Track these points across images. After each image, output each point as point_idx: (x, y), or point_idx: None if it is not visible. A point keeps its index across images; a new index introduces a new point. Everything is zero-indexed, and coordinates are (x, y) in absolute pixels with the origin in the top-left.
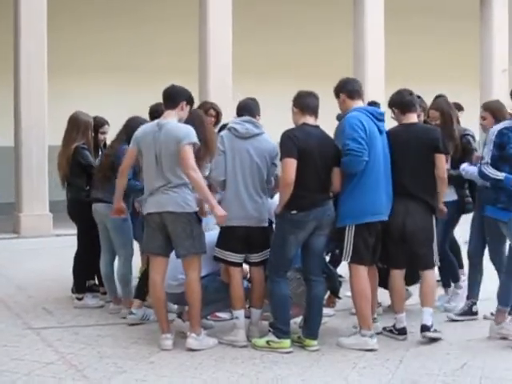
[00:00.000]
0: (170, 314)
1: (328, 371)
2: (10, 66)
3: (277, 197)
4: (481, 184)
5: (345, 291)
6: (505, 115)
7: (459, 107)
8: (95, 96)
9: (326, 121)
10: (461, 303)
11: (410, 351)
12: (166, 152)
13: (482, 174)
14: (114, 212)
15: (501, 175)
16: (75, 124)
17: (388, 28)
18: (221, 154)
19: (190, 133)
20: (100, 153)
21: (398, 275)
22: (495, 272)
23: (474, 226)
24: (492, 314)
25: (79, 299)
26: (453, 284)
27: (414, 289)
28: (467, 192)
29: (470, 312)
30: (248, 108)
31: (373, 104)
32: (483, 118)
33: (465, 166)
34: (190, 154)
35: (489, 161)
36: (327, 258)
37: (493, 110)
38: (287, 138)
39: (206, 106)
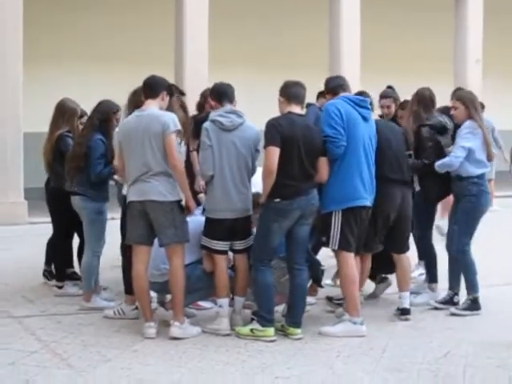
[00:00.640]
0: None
1: (313, 360)
2: None
3: (260, 169)
4: (454, 176)
5: (325, 279)
6: (477, 107)
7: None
8: (71, 84)
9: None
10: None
11: (392, 339)
12: (149, 138)
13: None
14: None
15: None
16: (61, 111)
17: (364, 19)
18: (208, 149)
19: (174, 120)
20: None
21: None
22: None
23: (452, 218)
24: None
25: (59, 287)
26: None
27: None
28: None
29: (451, 302)
30: (229, 94)
31: (360, 94)
32: (454, 108)
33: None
34: (174, 143)
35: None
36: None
37: (464, 101)
38: (272, 125)
39: (206, 93)
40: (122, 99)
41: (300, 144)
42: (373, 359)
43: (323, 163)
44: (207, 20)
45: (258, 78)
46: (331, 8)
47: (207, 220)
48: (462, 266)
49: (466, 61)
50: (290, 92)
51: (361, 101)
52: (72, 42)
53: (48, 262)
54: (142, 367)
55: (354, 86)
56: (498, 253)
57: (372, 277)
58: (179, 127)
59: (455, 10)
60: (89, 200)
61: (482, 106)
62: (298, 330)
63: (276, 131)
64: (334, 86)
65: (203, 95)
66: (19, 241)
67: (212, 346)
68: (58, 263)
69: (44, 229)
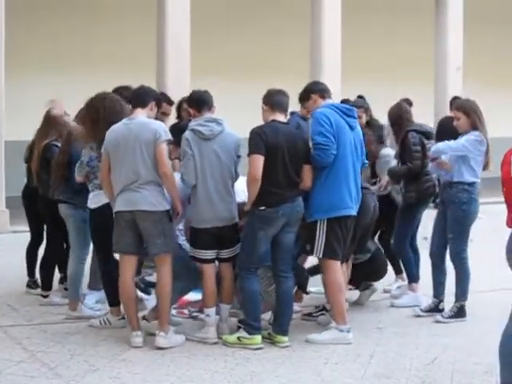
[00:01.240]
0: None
1: (301, 367)
2: None
3: (242, 179)
4: (444, 182)
5: (309, 287)
6: (479, 115)
7: (409, 103)
8: (52, 92)
9: None
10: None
11: (379, 346)
12: (140, 146)
13: None
14: None
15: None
16: (49, 120)
17: (345, 24)
18: (190, 159)
19: (165, 129)
20: None
21: None
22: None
23: (437, 225)
24: None
25: (44, 296)
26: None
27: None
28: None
29: (436, 309)
30: (208, 102)
31: (345, 102)
32: (457, 119)
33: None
34: (166, 151)
35: None
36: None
37: (466, 110)
38: (256, 134)
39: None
40: None
41: (284, 152)
42: (361, 366)
43: (307, 171)
44: (189, 28)
45: (240, 87)
46: (313, 15)
47: (192, 231)
48: (458, 272)
49: (447, 68)
50: (274, 100)
51: (347, 109)
52: (54, 50)
53: (31, 273)
54: (130, 376)
55: (335, 93)
56: (483, 259)
57: (355, 284)
58: (170, 136)
59: (436, 16)
60: (75, 208)
61: None
62: (285, 338)
63: (260, 139)
64: (323, 89)
65: (180, 102)
66: (2, 249)
67: (200, 355)
68: (45, 273)
69: (26, 237)
